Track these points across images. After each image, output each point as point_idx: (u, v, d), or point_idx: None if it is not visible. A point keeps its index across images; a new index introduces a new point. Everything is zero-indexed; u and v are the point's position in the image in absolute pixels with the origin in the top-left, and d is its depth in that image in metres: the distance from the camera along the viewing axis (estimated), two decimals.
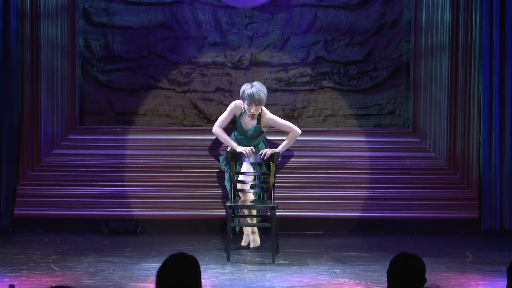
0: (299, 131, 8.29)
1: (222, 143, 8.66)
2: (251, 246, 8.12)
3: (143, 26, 9.05)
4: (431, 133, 9.06)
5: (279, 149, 8.19)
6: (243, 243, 8.21)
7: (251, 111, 8.06)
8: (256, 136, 8.26)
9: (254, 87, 8.01)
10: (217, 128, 8.34)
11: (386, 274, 3.93)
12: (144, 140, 9.06)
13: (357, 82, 9.14)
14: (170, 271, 3.68)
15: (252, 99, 8.00)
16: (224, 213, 8.47)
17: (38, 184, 8.97)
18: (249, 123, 8.22)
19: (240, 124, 8.22)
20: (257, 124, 8.18)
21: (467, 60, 8.94)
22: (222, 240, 8.44)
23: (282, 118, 8.60)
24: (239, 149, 8.12)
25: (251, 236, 8.15)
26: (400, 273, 3.87)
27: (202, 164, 9.00)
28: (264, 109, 8.23)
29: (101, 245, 8.24)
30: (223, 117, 8.31)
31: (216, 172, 8.98)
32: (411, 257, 3.93)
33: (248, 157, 8.01)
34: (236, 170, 8.11)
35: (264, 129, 8.27)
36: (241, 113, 8.21)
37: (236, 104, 8.23)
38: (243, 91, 8.05)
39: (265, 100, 8.09)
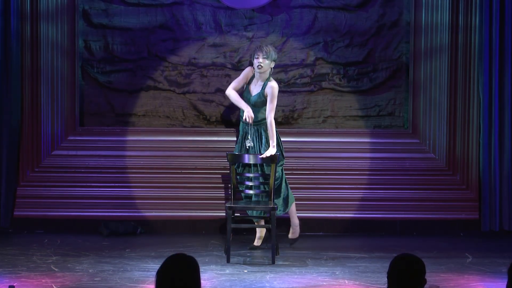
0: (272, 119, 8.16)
1: (221, 145, 8.72)
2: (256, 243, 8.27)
3: (143, 27, 9.05)
4: (430, 134, 9.06)
5: (274, 148, 8.07)
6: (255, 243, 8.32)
7: (258, 61, 8.09)
8: (258, 106, 8.18)
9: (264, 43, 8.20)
10: (230, 90, 8.28)
11: (385, 275, 3.93)
12: (144, 141, 9.06)
13: (357, 83, 9.14)
14: (169, 272, 3.69)
15: (260, 49, 8.11)
16: (224, 214, 8.47)
17: (38, 185, 8.96)
18: (254, 90, 8.19)
19: (247, 88, 8.23)
20: (261, 90, 8.16)
21: (467, 61, 8.94)
22: (222, 241, 8.44)
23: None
24: (245, 112, 8.08)
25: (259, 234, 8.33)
26: (400, 274, 3.87)
27: (202, 165, 9.00)
28: (272, 79, 8.21)
29: (100, 246, 8.24)
30: (237, 80, 8.31)
31: (216, 173, 8.98)
32: (411, 258, 3.94)
33: (245, 122, 8.05)
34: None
35: (265, 98, 8.20)
36: (251, 79, 8.24)
37: (249, 68, 8.31)
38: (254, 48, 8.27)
39: (273, 54, 8.11)
